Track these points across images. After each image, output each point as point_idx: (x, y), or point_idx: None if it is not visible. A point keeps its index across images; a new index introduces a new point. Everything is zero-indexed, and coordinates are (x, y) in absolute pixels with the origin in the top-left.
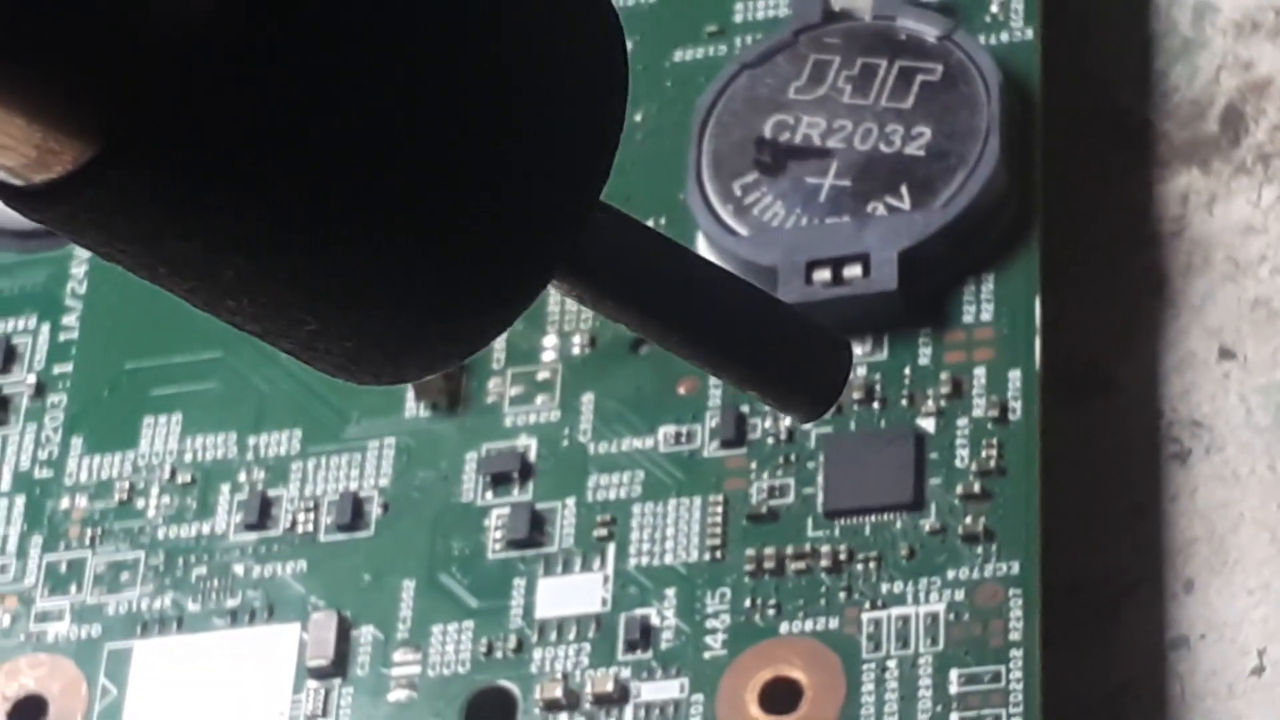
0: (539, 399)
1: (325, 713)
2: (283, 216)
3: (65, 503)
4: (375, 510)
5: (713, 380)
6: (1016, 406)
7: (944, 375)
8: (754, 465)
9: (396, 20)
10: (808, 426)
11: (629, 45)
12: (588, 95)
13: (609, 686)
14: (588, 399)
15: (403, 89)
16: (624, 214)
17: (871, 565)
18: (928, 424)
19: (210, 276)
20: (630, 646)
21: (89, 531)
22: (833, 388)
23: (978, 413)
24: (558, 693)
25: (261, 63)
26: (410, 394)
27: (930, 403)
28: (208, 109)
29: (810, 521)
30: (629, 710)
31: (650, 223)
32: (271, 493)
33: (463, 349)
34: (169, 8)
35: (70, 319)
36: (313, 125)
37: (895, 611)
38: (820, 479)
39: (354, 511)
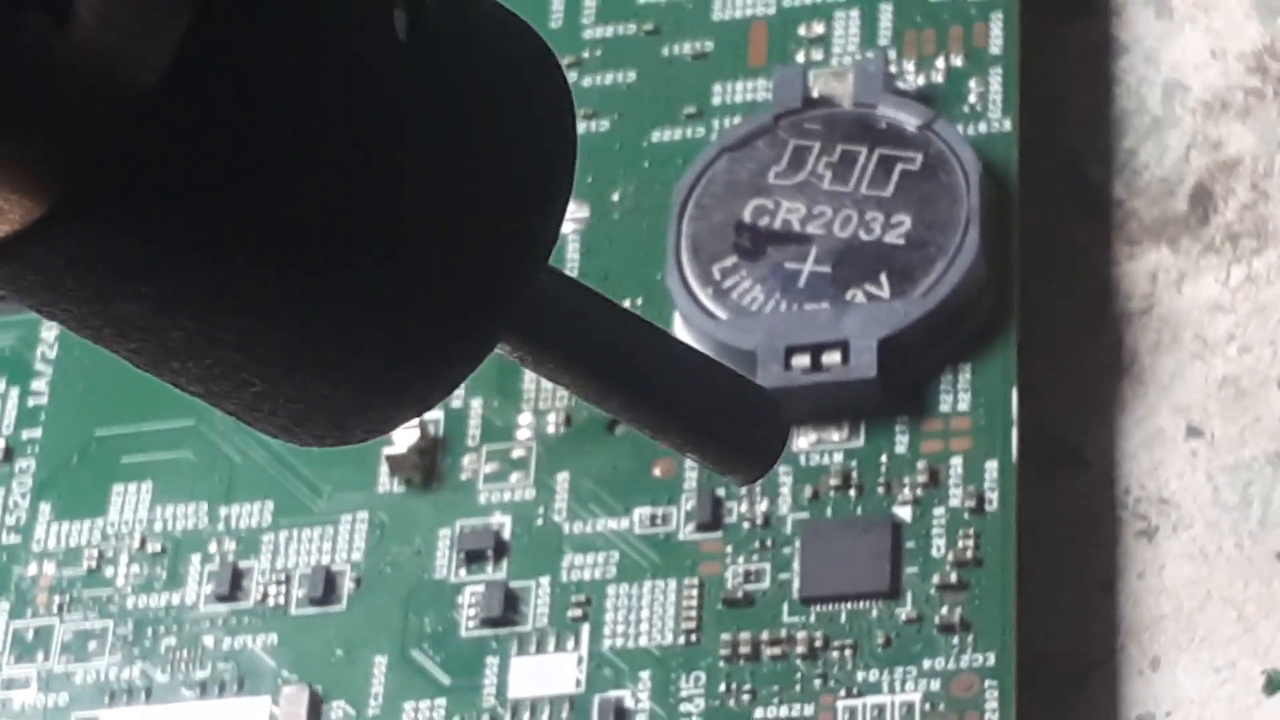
0: (514, 477)
1: None
2: (232, 280)
3: (33, 569)
4: (348, 584)
5: (689, 463)
6: (993, 497)
7: (921, 464)
8: (730, 549)
9: (340, 88)
10: (784, 513)
11: (607, 124)
12: (536, 159)
13: None
14: (563, 478)
15: (347, 156)
16: (567, 276)
17: (847, 653)
18: (904, 512)
19: (156, 338)
20: None
21: (57, 599)
22: (771, 451)
23: (954, 502)
24: None
25: (211, 127)
26: (384, 468)
27: (907, 491)
28: (159, 170)
29: (786, 607)
30: None
31: (627, 303)
32: (243, 564)
33: (409, 411)
34: (121, 68)
35: (40, 384)
36: (263, 189)
37: (870, 700)
38: (796, 565)
39: (326, 585)
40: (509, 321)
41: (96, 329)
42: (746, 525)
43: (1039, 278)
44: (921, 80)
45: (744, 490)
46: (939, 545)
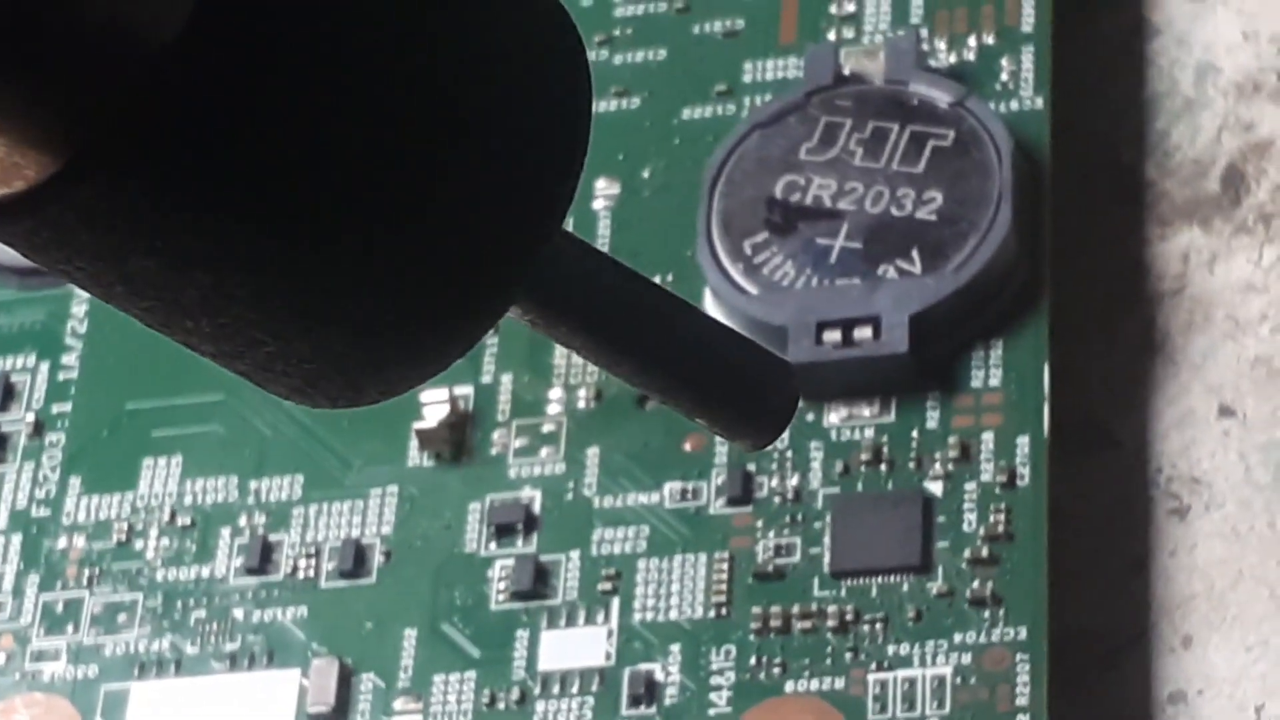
0: (543, 451)
1: None
2: (249, 237)
3: (63, 542)
4: (378, 558)
5: (719, 438)
6: (1025, 472)
7: (952, 439)
8: (760, 524)
9: (357, 48)
10: (815, 487)
11: (638, 102)
12: (551, 124)
13: None
14: (593, 453)
15: (366, 115)
16: (581, 240)
17: (878, 626)
18: (935, 487)
19: (170, 295)
20: (634, 701)
21: (86, 572)
22: (781, 417)
23: (985, 477)
24: None
25: (230, 82)
26: (414, 443)
27: (938, 466)
28: (177, 124)
29: (817, 581)
30: None
31: (658, 279)
32: (273, 537)
33: (424, 371)
34: (139, 22)
35: (70, 358)
36: (281, 147)
37: (902, 673)
38: (827, 539)
39: (356, 558)
40: (523, 283)
41: (109, 286)
42: (777, 500)
43: (1071, 258)
44: (953, 58)
45: (775, 465)
46: (970, 520)
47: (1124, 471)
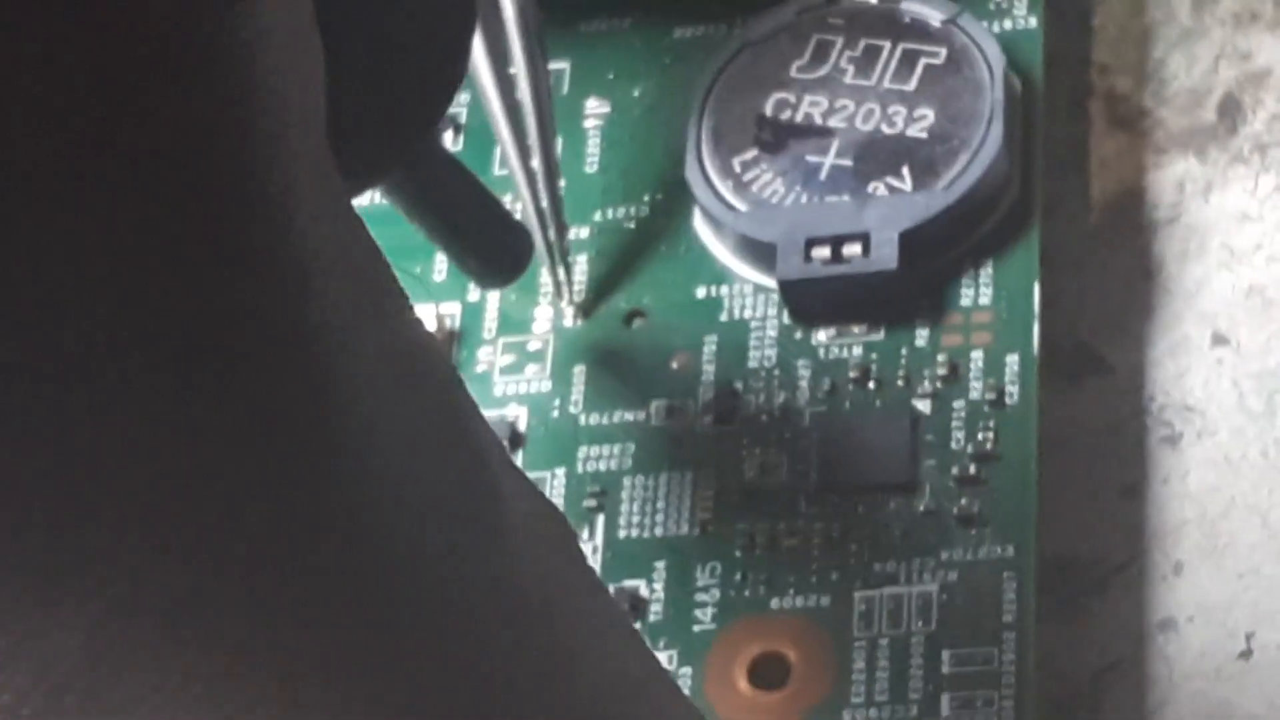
0: (530, 369)
1: None
2: None
3: None
4: None
5: (705, 355)
6: (1014, 391)
7: (941, 357)
8: (746, 441)
9: None
10: (802, 405)
11: (628, 22)
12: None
13: None
14: (579, 370)
15: None
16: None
17: (865, 544)
18: (923, 405)
19: None
20: None
21: None
22: (513, 270)
23: (974, 395)
24: None
25: None
26: None
27: (926, 384)
28: None
29: (803, 499)
30: None
31: (647, 198)
32: None
33: None
34: None
35: None
36: None
37: (888, 591)
38: (814, 457)
39: None
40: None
41: None
42: (764, 418)
43: (1066, 185)
44: None
45: (762, 383)
46: (958, 438)
47: (1116, 398)
